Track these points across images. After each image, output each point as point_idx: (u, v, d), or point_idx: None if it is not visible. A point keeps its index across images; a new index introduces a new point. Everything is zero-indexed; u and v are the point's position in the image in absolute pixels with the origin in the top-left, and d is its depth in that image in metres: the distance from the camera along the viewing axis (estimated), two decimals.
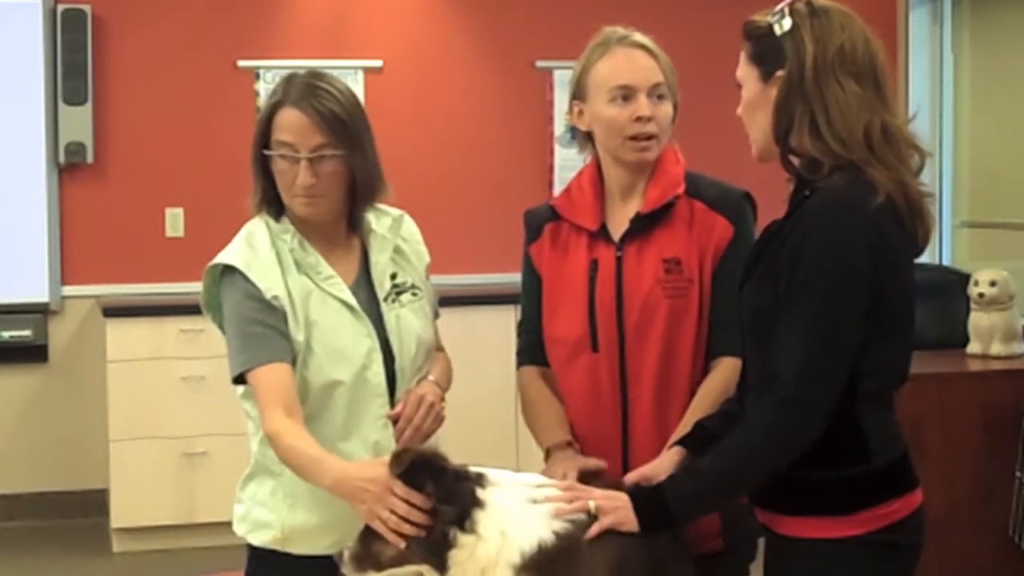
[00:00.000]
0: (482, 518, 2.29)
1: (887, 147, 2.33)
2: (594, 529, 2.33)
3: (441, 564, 2.29)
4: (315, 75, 2.72)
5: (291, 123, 2.65)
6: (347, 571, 2.41)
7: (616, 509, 2.37)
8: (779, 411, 2.29)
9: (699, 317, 2.72)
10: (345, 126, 2.67)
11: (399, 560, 2.35)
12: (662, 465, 2.55)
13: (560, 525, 2.29)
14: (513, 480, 2.38)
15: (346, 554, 2.40)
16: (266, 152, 2.68)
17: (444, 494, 2.31)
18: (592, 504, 2.37)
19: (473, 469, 2.38)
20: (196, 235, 6.79)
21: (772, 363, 2.30)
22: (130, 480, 6.30)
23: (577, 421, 2.80)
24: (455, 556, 2.28)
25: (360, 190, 2.73)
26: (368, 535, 2.37)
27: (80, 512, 6.79)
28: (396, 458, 2.38)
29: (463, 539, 2.28)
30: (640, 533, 2.35)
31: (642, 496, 2.40)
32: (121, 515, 6.35)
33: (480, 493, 2.31)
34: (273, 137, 2.67)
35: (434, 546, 2.29)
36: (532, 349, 2.88)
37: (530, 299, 2.88)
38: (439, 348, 2.92)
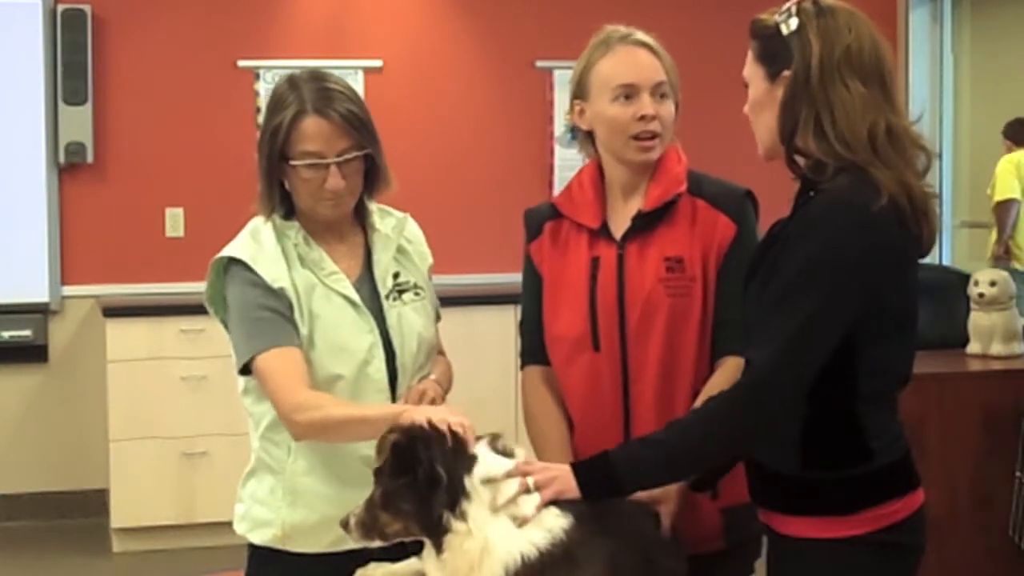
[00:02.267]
0: (469, 509, 2.27)
1: (891, 148, 2.33)
2: (539, 501, 2.32)
3: (439, 545, 2.28)
4: (320, 77, 2.72)
5: (316, 131, 2.65)
6: (353, 538, 2.39)
7: (554, 479, 2.36)
8: (744, 394, 2.29)
9: (702, 316, 2.71)
10: (364, 124, 2.69)
11: (403, 532, 2.34)
12: None
13: (541, 538, 2.27)
14: (492, 474, 2.34)
15: (352, 521, 2.38)
16: (293, 163, 2.67)
17: (446, 466, 2.28)
18: (531, 480, 2.35)
19: (469, 448, 2.34)
20: (196, 235, 6.79)
21: (753, 350, 2.30)
22: (130, 480, 6.30)
23: (578, 420, 2.80)
24: (450, 541, 2.27)
25: (375, 182, 2.76)
26: (373, 505, 2.36)
27: (80, 512, 6.79)
28: (378, 445, 2.36)
29: (457, 526, 2.27)
30: (585, 500, 2.34)
31: (584, 463, 2.40)
32: (121, 515, 6.35)
33: (467, 482, 2.29)
34: (297, 148, 2.66)
35: (432, 527, 2.28)
36: (534, 349, 2.87)
37: (531, 298, 2.87)
38: (440, 352, 2.92)
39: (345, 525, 2.39)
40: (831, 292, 2.27)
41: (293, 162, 2.67)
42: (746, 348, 2.44)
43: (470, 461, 2.32)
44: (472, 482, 2.30)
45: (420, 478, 2.28)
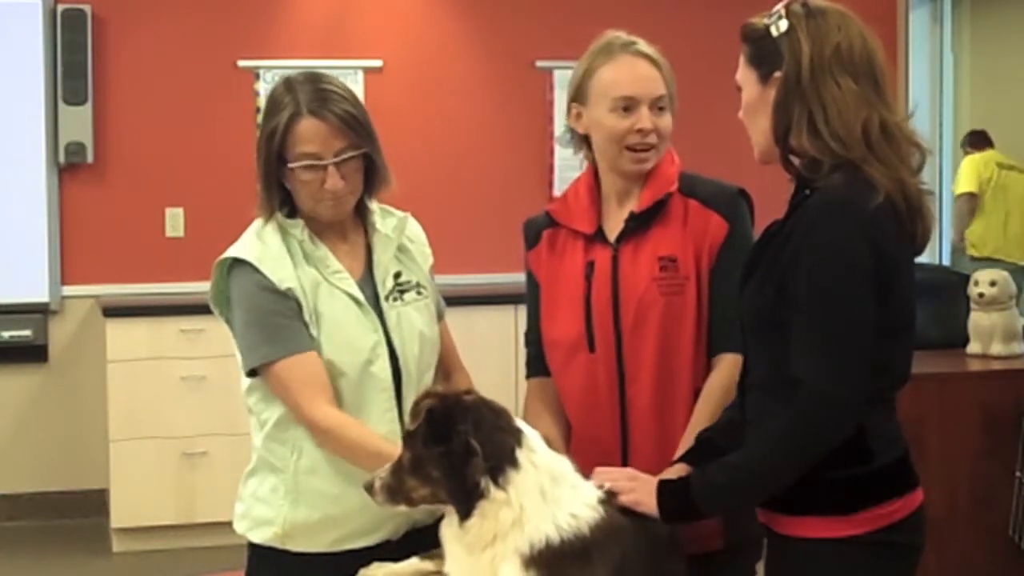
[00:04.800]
0: (514, 479, 2.27)
1: (886, 144, 2.33)
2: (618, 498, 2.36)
3: (467, 511, 2.28)
4: (315, 78, 2.72)
5: (313, 132, 2.65)
6: (379, 500, 2.39)
7: (635, 490, 2.39)
8: (808, 409, 2.28)
9: (697, 314, 2.71)
10: (360, 124, 2.69)
11: (429, 499, 2.35)
12: None
13: (567, 524, 2.28)
14: (543, 453, 2.35)
15: (377, 483, 2.38)
16: (291, 166, 2.67)
17: (483, 437, 2.28)
18: (608, 486, 2.39)
19: (514, 421, 2.35)
20: (196, 235, 6.79)
21: (792, 367, 2.29)
22: (130, 480, 6.30)
23: (575, 422, 2.80)
24: (484, 507, 2.26)
25: (374, 182, 2.77)
26: (401, 469, 2.36)
27: (80, 512, 6.79)
28: (413, 409, 2.35)
29: (496, 493, 2.26)
30: (663, 521, 2.37)
31: (667, 483, 2.41)
32: (121, 515, 6.35)
33: (518, 453, 2.29)
34: (295, 150, 2.66)
35: (466, 492, 2.27)
36: (537, 360, 2.88)
37: (533, 308, 2.88)
38: (459, 365, 2.93)
39: (369, 488, 2.39)
40: (846, 289, 2.27)
41: (291, 164, 2.67)
42: (752, 348, 2.45)
43: (518, 433, 2.33)
44: (523, 454, 2.30)
45: (455, 449, 2.27)
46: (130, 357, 6.30)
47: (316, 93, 2.67)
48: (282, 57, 6.90)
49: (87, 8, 6.69)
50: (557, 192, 7.12)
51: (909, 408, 2.53)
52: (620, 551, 2.30)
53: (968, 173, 8.56)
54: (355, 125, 2.68)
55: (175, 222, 6.91)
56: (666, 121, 2.76)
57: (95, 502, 6.72)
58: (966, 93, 8.55)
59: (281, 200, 2.74)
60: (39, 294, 6.74)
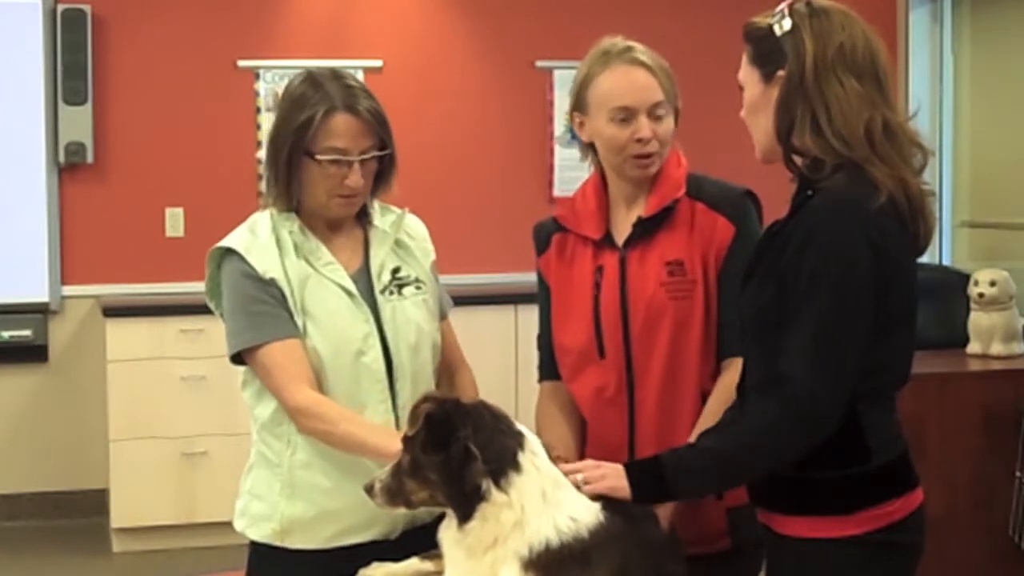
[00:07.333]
0: (516, 482, 2.27)
1: (888, 144, 2.33)
2: (587, 490, 2.35)
3: (467, 514, 2.27)
4: (340, 75, 2.74)
5: (346, 128, 2.67)
6: (378, 502, 2.39)
7: (605, 476, 2.38)
8: (791, 407, 2.28)
9: (705, 318, 2.71)
10: (386, 125, 2.72)
11: (430, 501, 2.35)
12: None
13: (566, 527, 2.28)
14: (545, 457, 2.35)
15: (377, 485, 2.38)
16: (319, 157, 2.68)
17: (483, 440, 2.28)
18: (580, 477, 2.37)
19: (515, 425, 2.35)
20: (196, 235, 6.78)
21: (781, 364, 2.29)
22: (130, 480, 6.31)
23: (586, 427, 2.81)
24: (484, 510, 2.26)
25: (379, 184, 2.78)
26: (400, 471, 2.36)
27: (80, 512, 6.80)
28: (411, 414, 2.35)
29: (497, 495, 2.26)
30: (635, 501, 2.36)
31: (638, 465, 2.40)
32: (121, 515, 6.35)
33: (520, 456, 2.29)
34: (324, 143, 2.67)
35: (466, 495, 2.27)
36: (549, 364, 2.89)
37: (544, 313, 2.89)
38: (462, 361, 2.94)
39: (369, 490, 2.39)
40: (844, 291, 2.27)
41: (319, 156, 2.68)
42: (751, 350, 2.45)
43: (519, 436, 2.33)
44: (525, 457, 2.30)
45: (454, 454, 2.27)
46: (130, 357, 6.31)
47: (346, 90, 2.70)
48: (282, 57, 6.90)
49: (87, 8, 6.68)
50: (557, 192, 7.13)
51: (909, 408, 2.53)
52: (619, 555, 2.29)
53: None
54: (381, 125, 2.71)
55: (175, 222, 6.91)
56: (665, 127, 2.75)
57: (95, 502, 6.72)
58: (966, 93, 8.54)
59: (289, 195, 2.74)
60: (39, 294, 6.74)
